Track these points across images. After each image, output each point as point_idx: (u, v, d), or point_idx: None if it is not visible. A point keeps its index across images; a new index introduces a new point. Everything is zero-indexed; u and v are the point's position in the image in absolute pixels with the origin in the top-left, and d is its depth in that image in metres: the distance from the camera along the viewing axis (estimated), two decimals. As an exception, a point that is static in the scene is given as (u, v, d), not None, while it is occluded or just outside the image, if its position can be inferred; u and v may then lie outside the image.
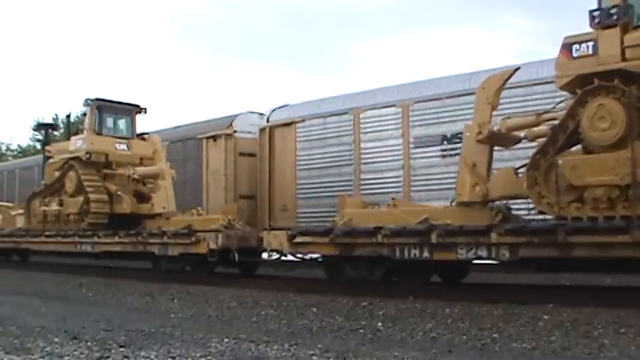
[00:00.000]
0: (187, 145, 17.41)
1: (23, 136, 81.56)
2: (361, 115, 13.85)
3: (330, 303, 8.94)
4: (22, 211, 18.59)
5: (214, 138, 16.47)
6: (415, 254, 9.47)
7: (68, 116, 17.76)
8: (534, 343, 5.88)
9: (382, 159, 13.47)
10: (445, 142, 12.47)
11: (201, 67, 73.98)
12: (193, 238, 12.90)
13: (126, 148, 15.79)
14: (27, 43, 72.53)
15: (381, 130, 13.55)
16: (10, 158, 43.04)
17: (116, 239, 14.65)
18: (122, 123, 16.37)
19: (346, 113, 14.18)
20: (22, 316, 7.85)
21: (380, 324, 7.17)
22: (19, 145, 48.33)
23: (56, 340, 5.94)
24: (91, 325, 6.94)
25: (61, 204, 16.06)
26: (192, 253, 13.11)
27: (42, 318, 7.66)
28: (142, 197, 15.35)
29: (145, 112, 16.44)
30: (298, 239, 10.97)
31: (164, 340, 6.01)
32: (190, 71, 79.98)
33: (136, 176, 15.23)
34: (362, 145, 13.80)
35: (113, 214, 15.15)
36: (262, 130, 15.68)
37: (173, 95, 77.06)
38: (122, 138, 16.00)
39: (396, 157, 13.20)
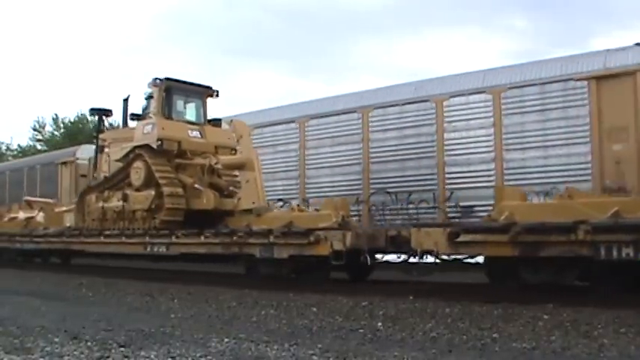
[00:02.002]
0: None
1: (23, 136, 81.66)
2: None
3: (330, 303, 8.93)
4: (66, 207, 17.22)
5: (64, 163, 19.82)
6: (628, 254, 7.91)
7: (126, 100, 15.07)
8: (534, 343, 5.88)
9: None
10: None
11: (199, 66, 74.01)
12: (312, 238, 10.75)
13: (199, 135, 13.97)
14: (26, 43, 72.59)
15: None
16: (10, 158, 43.01)
17: (202, 239, 12.52)
18: (192, 107, 14.64)
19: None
20: (22, 316, 7.86)
21: (380, 324, 7.16)
22: (19, 145, 48.37)
23: (56, 339, 5.95)
24: (91, 325, 6.94)
25: (125, 199, 13.98)
26: (307, 256, 11.08)
27: (42, 318, 7.67)
28: (219, 191, 13.57)
29: (217, 96, 14.64)
30: (463, 238, 9.28)
31: (164, 339, 6.02)
32: (190, 71, 79.99)
33: (219, 166, 13.45)
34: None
35: (189, 211, 13.29)
36: None
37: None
38: (193, 124, 14.21)
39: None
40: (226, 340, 5.97)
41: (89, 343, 5.73)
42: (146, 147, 13.56)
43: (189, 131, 13.82)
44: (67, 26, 78.79)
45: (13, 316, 7.81)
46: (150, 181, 13.44)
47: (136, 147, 13.82)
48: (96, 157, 16.14)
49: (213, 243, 12.40)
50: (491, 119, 12.43)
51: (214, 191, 13.28)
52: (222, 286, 11.36)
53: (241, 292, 10.54)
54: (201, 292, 10.65)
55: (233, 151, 13.66)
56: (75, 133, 43.77)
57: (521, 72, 12.54)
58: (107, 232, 14.49)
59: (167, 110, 13.84)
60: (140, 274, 14.56)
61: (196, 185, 13.26)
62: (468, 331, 6.59)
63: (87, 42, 77.82)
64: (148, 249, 13.60)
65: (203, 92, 14.50)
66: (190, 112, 14.53)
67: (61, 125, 46.18)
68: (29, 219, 18.15)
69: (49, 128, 46.76)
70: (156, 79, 13.73)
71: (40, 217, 17.95)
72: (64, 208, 17.30)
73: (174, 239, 12.98)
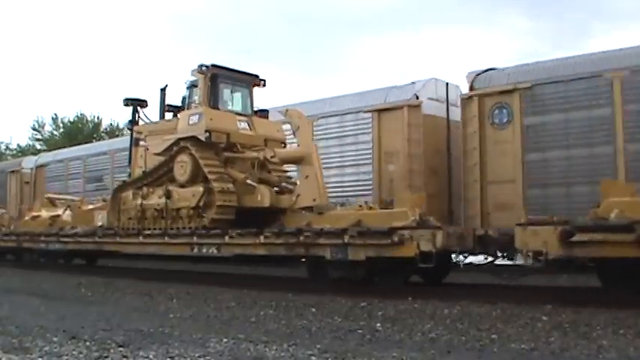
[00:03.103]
0: None
1: (22, 136, 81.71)
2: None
3: (329, 303, 8.93)
4: (95, 205, 16.46)
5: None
6: None
7: (163, 90, 13.92)
8: (533, 344, 5.88)
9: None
10: None
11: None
12: (395, 238, 9.73)
13: (247, 126, 12.93)
14: (26, 43, 72.58)
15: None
16: (9, 157, 43.01)
17: (261, 240, 11.33)
18: (239, 96, 13.63)
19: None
20: (20, 316, 7.86)
21: (379, 324, 7.16)
22: (18, 145, 48.40)
23: (55, 339, 5.94)
24: (90, 325, 6.94)
25: (168, 196, 12.79)
26: (388, 258, 10.05)
27: (41, 317, 7.67)
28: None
29: (264, 85, 13.72)
30: (578, 237, 8.36)
31: (163, 339, 6.01)
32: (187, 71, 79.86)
33: (276, 160, 12.34)
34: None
35: (240, 209, 12.22)
36: None
37: (177, 96, 76.85)
38: (240, 115, 13.16)
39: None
40: (225, 340, 5.97)
41: (88, 343, 5.73)
42: (192, 139, 12.48)
43: (238, 122, 12.82)
44: (66, 26, 78.83)
45: (12, 316, 7.81)
46: (196, 177, 12.45)
47: (180, 139, 12.75)
48: (130, 151, 14.92)
49: (275, 244, 11.21)
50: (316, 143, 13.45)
51: (270, 187, 12.20)
52: (221, 286, 11.35)
53: (240, 292, 10.53)
54: (200, 292, 10.65)
55: (283, 145, 13.02)
56: (74, 132, 43.81)
57: (330, 103, 14.96)
58: (147, 232, 13.30)
59: (213, 100, 12.82)
60: (139, 274, 14.54)
61: (249, 181, 12.16)
62: (466, 331, 6.59)
63: (87, 42, 77.85)
64: (195, 250, 12.48)
65: (250, 81, 13.60)
66: (237, 102, 13.58)
67: (61, 125, 46.20)
68: (54, 217, 17.14)
69: (48, 128, 46.84)
70: (201, 65, 12.74)
71: (66, 215, 16.91)
72: (91, 206, 16.55)
73: (227, 239, 11.79)
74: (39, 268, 17.31)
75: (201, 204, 12.16)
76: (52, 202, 18.40)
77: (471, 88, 12.36)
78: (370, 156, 13.91)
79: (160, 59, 76.30)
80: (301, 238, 10.81)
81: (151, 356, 5.20)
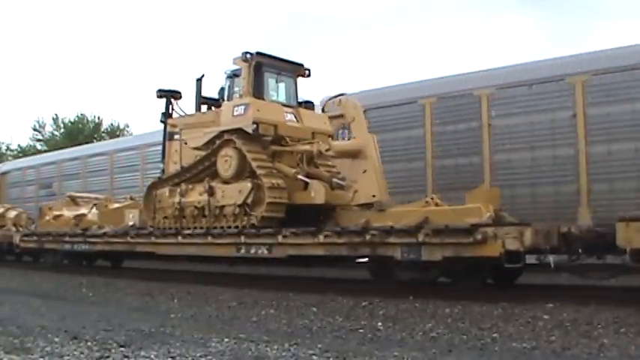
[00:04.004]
0: None
1: (23, 136, 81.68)
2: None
3: (330, 303, 8.93)
4: (123, 203, 15.92)
5: None
6: None
7: (199, 80, 13.11)
8: (534, 342, 5.88)
9: None
10: None
11: (197, 66, 73.87)
12: (478, 236, 8.77)
13: (294, 118, 12.17)
14: (27, 44, 72.58)
15: None
16: (10, 158, 43.05)
17: (320, 239, 10.40)
18: (284, 86, 12.82)
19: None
20: (21, 316, 7.86)
21: (380, 324, 7.17)
22: (19, 145, 48.45)
23: (56, 339, 5.94)
24: (91, 325, 6.94)
25: (210, 193, 11.92)
26: (467, 258, 9.15)
27: (42, 318, 7.66)
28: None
29: (309, 75, 12.94)
30: None
31: (164, 339, 6.01)
32: (187, 71, 79.96)
33: (331, 153, 11.55)
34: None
35: (291, 206, 11.38)
36: None
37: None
38: (286, 106, 12.39)
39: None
40: (226, 340, 5.97)
41: (89, 343, 5.73)
42: (238, 131, 11.65)
43: (285, 114, 12.07)
44: (67, 26, 78.83)
45: (13, 316, 7.81)
46: (242, 172, 11.63)
47: (223, 131, 11.94)
48: (164, 145, 14.02)
49: (336, 243, 10.29)
50: None
51: (324, 183, 11.31)
52: (222, 286, 11.35)
53: (241, 291, 10.53)
54: (201, 292, 10.65)
55: (330, 138, 12.22)
56: (75, 133, 43.85)
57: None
58: (187, 232, 12.39)
59: (258, 90, 11.99)
60: (140, 274, 14.54)
61: (300, 176, 11.46)
62: (468, 331, 6.59)
63: (87, 42, 77.85)
64: (242, 250, 11.54)
65: (295, 70, 12.81)
66: (281, 92, 12.74)
67: (61, 125, 46.27)
68: (79, 217, 16.32)
69: (49, 128, 46.90)
70: (246, 53, 11.90)
71: (92, 214, 16.13)
72: (117, 205, 15.96)
73: (280, 239, 10.88)
74: (40, 268, 17.31)
75: (248, 201, 11.31)
76: (74, 201, 17.84)
77: (323, 111, 13.07)
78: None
79: (158, 59, 76.37)
80: (367, 237, 9.87)
81: (152, 356, 5.20)
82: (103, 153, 22.35)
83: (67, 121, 46.06)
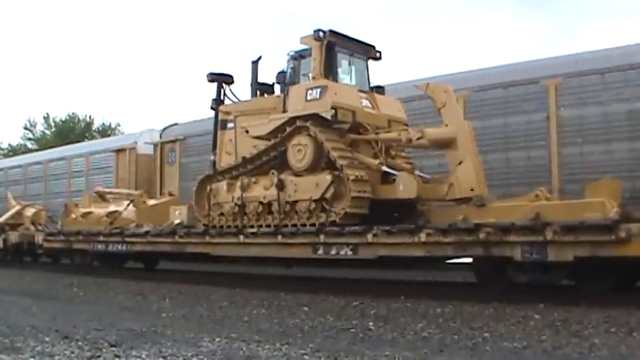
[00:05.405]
0: None
1: (14, 135, 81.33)
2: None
3: (322, 302, 8.94)
4: (162, 199, 15.04)
5: None
6: None
7: (255, 62, 12.03)
8: (525, 342, 5.89)
9: None
10: None
11: (192, 65, 73.82)
12: (622, 234, 7.67)
13: (369, 104, 10.98)
14: (18, 43, 72.24)
15: None
16: (0, 157, 42.87)
17: (421, 238, 9.13)
18: (355, 70, 11.58)
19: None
20: (12, 316, 7.81)
21: (371, 323, 7.17)
22: (9, 144, 48.24)
23: (47, 339, 5.90)
24: (82, 325, 6.90)
25: (280, 187, 10.66)
26: (607, 258, 8.03)
27: (32, 317, 7.62)
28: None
29: (380, 58, 11.77)
30: None
31: (155, 339, 5.99)
32: (187, 71, 79.80)
33: (424, 142, 10.02)
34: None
35: (375, 201, 10.16)
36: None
37: (170, 95, 76.85)
38: (360, 91, 11.16)
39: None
40: (217, 339, 5.95)
41: (80, 343, 5.69)
42: (312, 117, 10.41)
43: (360, 99, 10.89)
44: (58, 25, 78.46)
45: (3, 316, 7.76)
46: (318, 163, 10.47)
47: (293, 118, 10.73)
48: (215, 134, 12.68)
49: (441, 243, 9.08)
50: None
51: (414, 175, 10.28)
52: (214, 286, 11.34)
53: (232, 291, 10.53)
54: (192, 292, 10.64)
55: (405, 127, 10.91)
56: (66, 132, 43.71)
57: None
58: (251, 230, 11.11)
59: (330, 72, 10.77)
60: (131, 274, 14.49)
61: (384, 168, 10.34)
62: (459, 330, 6.60)
63: (78, 41, 77.53)
64: (320, 251, 10.26)
65: (367, 51, 11.60)
66: (354, 75, 11.54)
67: (52, 124, 46.15)
68: (113, 214, 15.15)
69: (40, 127, 46.75)
70: (317, 31, 10.69)
71: (128, 212, 14.90)
72: (154, 202, 14.97)
73: (370, 238, 9.62)
74: (30, 267, 17.21)
75: (327, 195, 10.13)
76: (102, 197, 16.73)
77: (160, 137, 18.43)
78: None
79: (151, 59, 76.14)
80: (481, 235, 8.68)
81: (143, 356, 5.18)
82: (39, 162, 24.28)
83: (58, 120, 46.00)
